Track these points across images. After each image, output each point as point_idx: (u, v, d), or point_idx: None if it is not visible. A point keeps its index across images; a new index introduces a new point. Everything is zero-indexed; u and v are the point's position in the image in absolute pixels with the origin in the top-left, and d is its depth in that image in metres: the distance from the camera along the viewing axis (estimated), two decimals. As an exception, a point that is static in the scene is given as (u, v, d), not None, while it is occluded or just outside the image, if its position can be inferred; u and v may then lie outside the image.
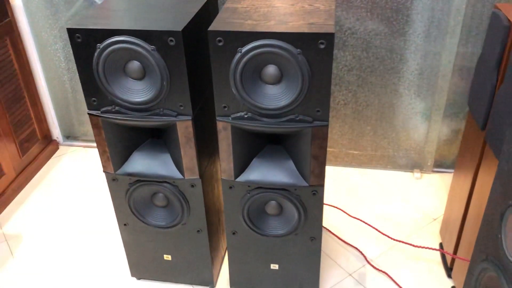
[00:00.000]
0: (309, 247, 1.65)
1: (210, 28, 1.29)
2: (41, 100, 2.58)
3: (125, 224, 1.74)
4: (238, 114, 1.41)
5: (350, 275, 1.90)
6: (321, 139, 1.41)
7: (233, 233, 1.67)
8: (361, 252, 1.99)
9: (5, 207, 2.29)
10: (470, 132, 1.65)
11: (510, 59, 1.35)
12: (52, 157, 2.66)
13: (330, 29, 1.26)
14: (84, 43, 1.36)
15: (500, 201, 0.98)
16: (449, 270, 1.87)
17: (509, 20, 1.35)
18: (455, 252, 1.83)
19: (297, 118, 1.39)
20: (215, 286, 1.86)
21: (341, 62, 2.20)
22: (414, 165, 2.44)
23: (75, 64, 2.48)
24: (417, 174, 2.42)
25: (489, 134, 1.44)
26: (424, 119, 2.32)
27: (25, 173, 2.43)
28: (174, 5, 1.52)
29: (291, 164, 1.52)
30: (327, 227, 2.09)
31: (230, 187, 1.56)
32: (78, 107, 2.67)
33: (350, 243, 2.03)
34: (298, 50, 1.27)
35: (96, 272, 1.95)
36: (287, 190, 1.53)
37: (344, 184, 2.38)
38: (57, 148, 2.72)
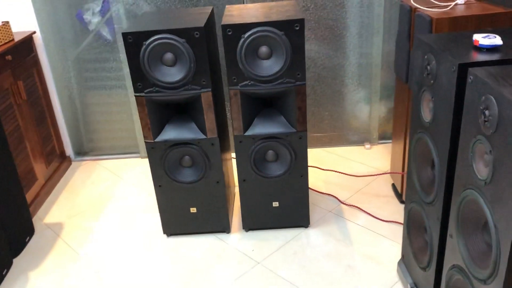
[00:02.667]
0: (299, 182, 2.26)
1: (223, 23, 1.95)
2: (57, 121, 3.08)
3: (160, 186, 2.27)
4: (244, 83, 2.05)
5: (330, 211, 2.51)
6: (302, 94, 2.07)
7: (244, 180, 2.26)
8: (335, 197, 2.62)
9: (41, 206, 2.74)
10: (399, 89, 2.38)
11: (414, 31, 2.09)
12: (69, 169, 3.14)
13: (301, 16, 1.95)
14: (133, 42, 1.97)
15: (418, 86, 1.66)
16: (400, 198, 2.53)
17: (410, 6, 2.11)
18: (402, 185, 2.50)
19: (285, 81, 2.04)
20: (230, 231, 2.41)
21: (300, 63, 2.91)
22: (364, 139, 3.15)
23: (86, 89, 3.05)
24: (367, 145, 3.12)
25: (410, 83, 2.16)
26: (366, 102, 3.05)
27: (51, 181, 2.89)
28: (188, 14, 2.16)
29: (282, 119, 2.16)
30: (307, 185, 2.70)
31: (240, 142, 2.17)
32: (87, 127, 3.19)
33: (326, 192, 2.66)
34: (282, 32, 1.95)
35: (131, 235, 2.44)
36: (281, 138, 2.15)
37: (313, 159, 3.02)
38: (70, 164, 3.20)
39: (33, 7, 2.78)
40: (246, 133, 2.15)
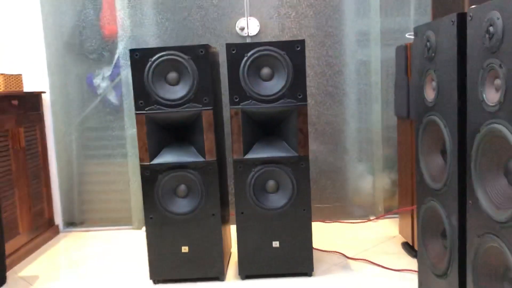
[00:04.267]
0: (302, 217, 2.10)
1: (227, 42, 2.04)
2: (51, 184, 2.99)
3: (151, 218, 2.10)
4: (246, 102, 2.05)
5: (335, 264, 2.27)
6: (303, 115, 2.05)
7: (242, 213, 2.10)
8: (342, 254, 2.39)
9: (19, 262, 2.49)
10: (401, 128, 2.36)
11: (411, 66, 2.16)
12: (55, 237, 2.93)
13: (301, 38, 2.04)
14: (139, 58, 2.03)
15: (419, 73, 1.65)
16: (413, 251, 2.31)
17: (405, 43, 2.22)
18: (413, 238, 2.31)
19: (286, 101, 2.05)
20: (225, 278, 2.15)
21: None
22: (369, 212, 3.00)
23: (85, 156, 3.02)
24: (372, 218, 2.96)
25: (412, 114, 2.15)
26: (369, 171, 2.98)
27: (34, 242, 2.68)
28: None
29: (284, 144, 2.11)
30: (310, 244, 2.50)
31: (240, 167, 2.07)
32: (82, 197, 3.08)
33: (331, 250, 2.44)
34: (284, 52, 2.02)
35: (114, 283, 2.17)
36: (282, 164, 2.07)
37: (316, 232, 2.83)
38: (58, 233, 3.00)
39: (47, 68, 2.93)
40: (246, 156, 2.07)
